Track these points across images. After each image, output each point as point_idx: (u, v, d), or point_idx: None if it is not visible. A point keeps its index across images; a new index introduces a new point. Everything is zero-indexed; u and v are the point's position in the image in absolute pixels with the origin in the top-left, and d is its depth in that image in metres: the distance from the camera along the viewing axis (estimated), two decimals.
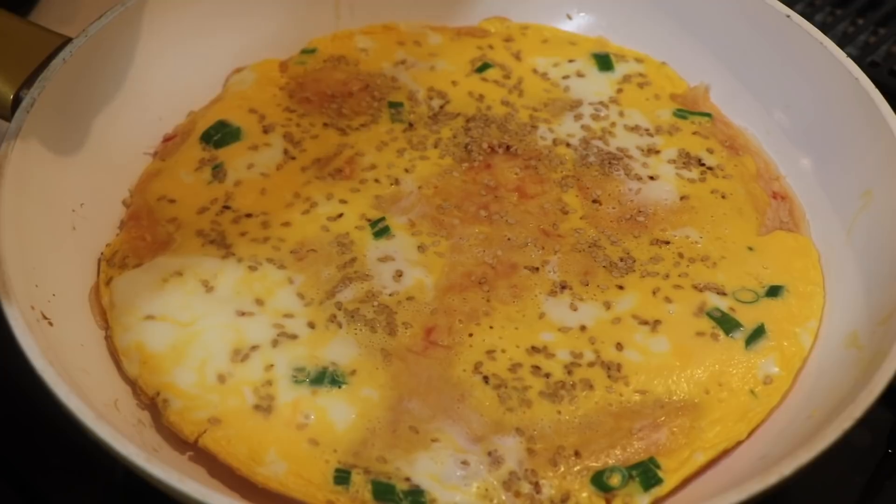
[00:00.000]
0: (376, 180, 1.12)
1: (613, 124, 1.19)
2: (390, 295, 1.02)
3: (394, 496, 0.88)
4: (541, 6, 1.32)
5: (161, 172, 1.13)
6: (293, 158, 1.14)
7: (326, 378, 0.95)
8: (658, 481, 0.90)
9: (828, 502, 1.07)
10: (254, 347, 0.96)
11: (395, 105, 1.20)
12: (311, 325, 0.99)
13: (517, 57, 1.28)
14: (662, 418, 0.94)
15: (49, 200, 1.03)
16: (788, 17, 1.16)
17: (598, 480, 0.90)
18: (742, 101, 1.22)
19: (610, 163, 1.14)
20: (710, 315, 1.01)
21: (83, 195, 1.07)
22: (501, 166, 1.14)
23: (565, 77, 1.25)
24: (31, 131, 1.01)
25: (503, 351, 0.98)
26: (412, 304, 1.01)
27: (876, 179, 1.06)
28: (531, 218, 1.09)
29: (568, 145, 1.17)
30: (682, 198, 1.12)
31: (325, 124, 1.18)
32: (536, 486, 0.90)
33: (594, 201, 1.11)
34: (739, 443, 0.95)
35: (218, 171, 1.12)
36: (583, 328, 1.00)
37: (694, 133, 1.19)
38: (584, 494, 0.90)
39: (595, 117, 1.20)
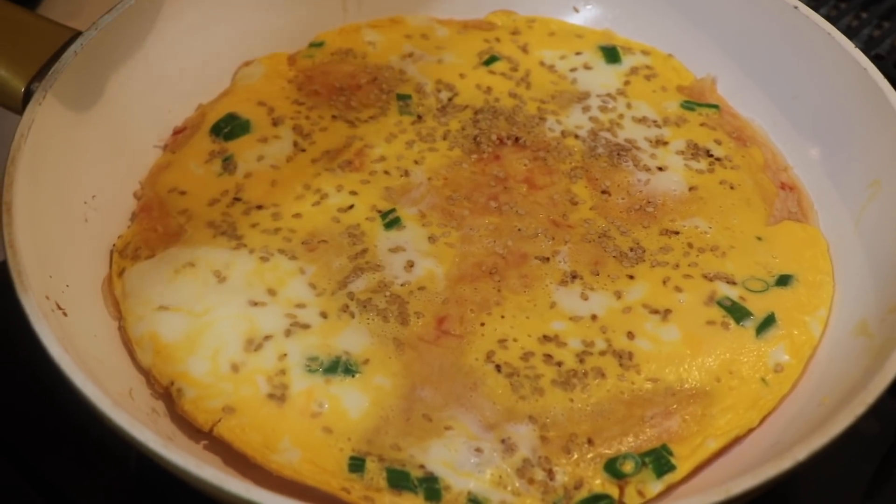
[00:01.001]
0: (386, 172, 1.13)
1: (621, 116, 1.19)
2: (402, 285, 1.02)
3: (408, 483, 0.88)
4: None
5: (171, 165, 1.14)
6: (303, 150, 1.15)
7: (339, 367, 0.95)
8: (671, 468, 0.91)
9: (836, 491, 1.07)
10: (267, 337, 0.97)
11: (403, 97, 1.21)
12: (324, 315, 0.99)
13: (524, 50, 1.28)
14: (674, 406, 0.95)
15: (61, 192, 1.03)
16: (796, 7, 1.16)
17: (612, 467, 0.91)
18: (749, 93, 1.22)
19: (618, 154, 1.15)
20: (720, 304, 1.02)
21: (95, 187, 1.08)
22: (510, 158, 1.14)
23: (573, 69, 1.25)
24: (42, 124, 1.01)
25: (515, 340, 0.98)
26: (424, 294, 1.01)
27: (884, 169, 1.06)
28: (541, 209, 1.09)
29: (576, 137, 1.17)
30: (690, 188, 1.12)
31: (334, 116, 1.19)
32: (550, 473, 0.90)
33: (603, 192, 1.11)
34: (751, 430, 0.95)
35: (228, 164, 1.13)
36: (594, 317, 1.00)
37: (701, 124, 1.19)
38: (598, 481, 0.90)
39: (603, 109, 1.20)
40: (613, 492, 0.90)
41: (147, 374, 0.97)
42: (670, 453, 0.91)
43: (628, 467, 0.90)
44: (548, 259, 1.05)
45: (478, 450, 0.90)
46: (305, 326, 0.98)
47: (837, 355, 0.99)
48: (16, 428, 1.07)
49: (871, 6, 1.56)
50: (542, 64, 1.26)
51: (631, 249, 1.06)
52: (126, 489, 1.05)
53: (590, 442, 0.92)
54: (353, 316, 0.99)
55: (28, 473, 1.04)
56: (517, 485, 0.89)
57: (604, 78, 1.24)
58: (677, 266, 1.05)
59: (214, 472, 0.77)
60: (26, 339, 0.86)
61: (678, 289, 1.03)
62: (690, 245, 1.07)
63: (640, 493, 0.90)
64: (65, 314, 0.93)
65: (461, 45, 1.28)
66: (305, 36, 1.29)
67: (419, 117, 1.19)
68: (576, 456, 0.91)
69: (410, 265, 1.04)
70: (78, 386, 0.82)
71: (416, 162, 1.14)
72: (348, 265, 1.03)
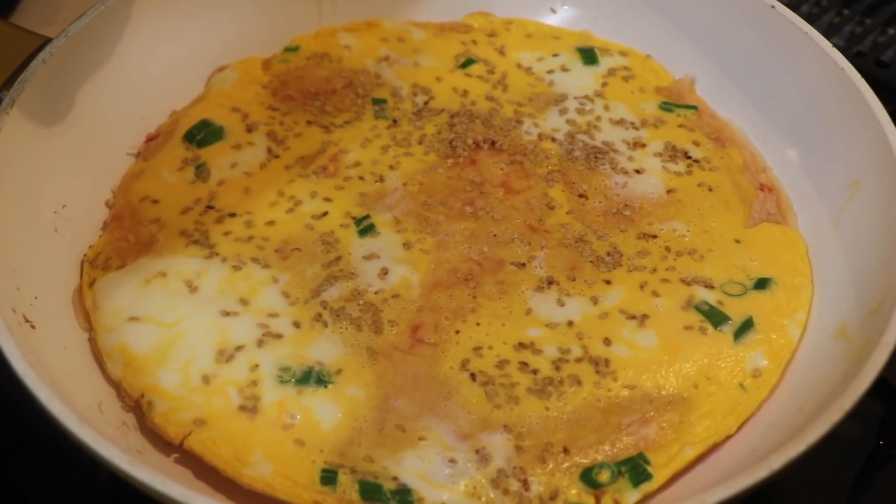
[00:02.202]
0: (360, 178, 1.11)
1: (599, 118, 1.18)
2: (376, 293, 1.01)
3: (381, 496, 0.87)
4: (524, 0, 1.31)
5: (144, 172, 1.12)
6: (277, 157, 1.14)
7: (312, 377, 0.94)
8: (647, 477, 0.90)
9: (819, 494, 1.06)
10: (238, 347, 0.96)
11: (378, 102, 1.20)
12: (297, 325, 0.98)
13: (501, 52, 1.27)
14: (651, 413, 0.93)
15: (30, 202, 1.02)
16: (773, 7, 1.15)
17: (587, 477, 0.89)
18: (728, 93, 1.21)
19: (596, 157, 1.13)
20: (697, 308, 1.00)
21: (65, 196, 1.07)
22: (486, 162, 1.13)
23: (550, 71, 1.24)
24: (10, 132, 1.00)
25: (490, 347, 0.97)
26: (398, 302, 1.00)
27: (863, 169, 1.05)
28: (517, 213, 1.08)
29: (553, 140, 1.16)
30: (668, 191, 1.11)
31: (309, 122, 1.17)
32: (525, 484, 0.89)
33: (580, 196, 1.10)
34: (729, 437, 0.94)
35: (201, 171, 1.11)
36: (570, 323, 0.99)
37: (680, 126, 1.18)
38: (573, 491, 0.89)
39: (580, 111, 1.19)
40: (589, 502, 0.89)
41: (117, 387, 0.96)
42: (647, 462, 0.90)
43: (604, 477, 0.89)
44: (524, 265, 1.04)
45: (452, 460, 0.89)
46: (278, 336, 0.97)
47: (816, 359, 0.98)
48: None
49: (853, 3, 1.55)
50: (519, 66, 1.25)
51: (608, 254, 1.05)
52: (98, 501, 1.04)
53: (565, 451, 0.91)
54: (326, 325, 0.98)
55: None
56: (491, 496, 0.88)
57: (581, 80, 1.23)
58: (655, 270, 1.04)
59: (180, 489, 0.76)
60: None
61: (655, 293, 1.02)
62: (668, 249, 1.06)
63: (617, 503, 0.89)
64: (32, 327, 0.92)
65: (438, 47, 1.27)
66: (280, 40, 1.28)
67: (395, 121, 1.18)
68: (551, 465, 0.90)
69: (385, 272, 1.02)
70: (43, 401, 0.81)
71: (391, 167, 1.13)
72: (322, 273, 1.02)
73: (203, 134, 1.15)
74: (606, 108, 1.20)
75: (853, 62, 1.09)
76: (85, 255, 1.06)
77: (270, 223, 1.07)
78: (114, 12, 1.14)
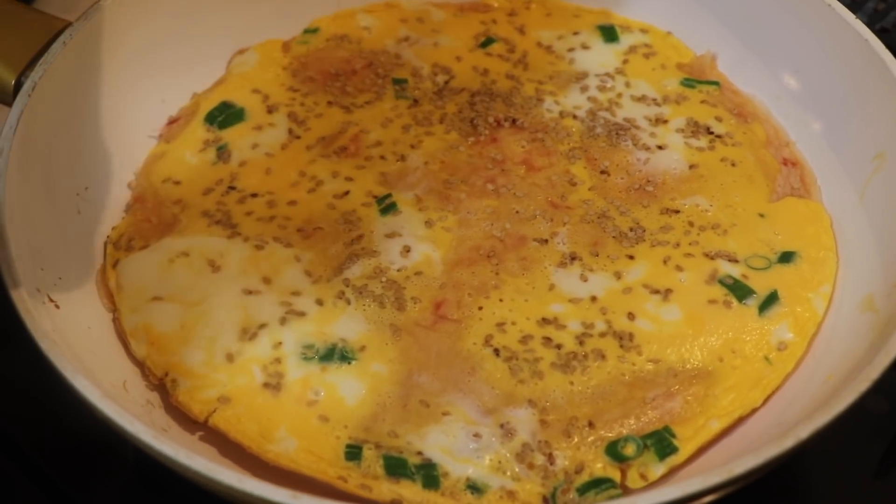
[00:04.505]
0: (382, 157, 1.11)
1: (620, 95, 1.18)
2: (398, 270, 1.01)
3: (406, 470, 0.87)
4: None
5: (165, 154, 1.13)
6: (298, 137, 1.13)
7: (336, 354, 0.94)
8: (673, 450, 0.89)
9: (845, 470, 1.05)
10: (262, 325, 0.96)
11: (399, 82, 1.19)
12: (320, 302, 0.98)
13: (521, 31, 1.27)
14: (676, 387, 0.93)
15: (53, 185, 1.03)
16: None
17: (613, 450, 0.89)
18: (750, 68, 1.20)
19: (617, 133, 1.13)
20: (722, 282, 1.00)
21: (87, 179, 1.07)
22: (508, 140, 1.13)
23: (570, 49, 1.24)
24: (33, 116, 1.00)
25: (513, 323, 0.97)
26: (420, 279, 1.00)
27: (888, 142, 1.04)
28: (539, 190, 1.08)
29: (574, 117, 1.15)
30: (691, 166, 1.10)
31: (330, 103, 1.17)
32: (550, 458, 0.89)
33: (602, 172, 1.10)
34: (755, 410, 0.94)
35: (222, 152, 1.12)
36: (593, 299, 0.99)
37: (702, 102, 1.17)
38: (599, 465, 0.89)
39: (601, 88, 1.18)
40: (615, 475, 0.89)
41: (142, 366, 0.96)
42: (672, 435, 0.90)
43: (630, 450, 0.89)
44: (546, 241, 1.03)
45: (476, 435, 0.89)
46: (301, 314, 0.97)
47: (842, 332, 0.97)
48: (16, 423, 1.06)
49: None
50: (539, 45, 1.25)
51: (631, 229, 1.04)
52: (125, 487, 1.04)
53: (590, 425, 0.91)
54: (349, 303, 0.98)
55: (27, 467, 1.03)
56: (517, 470, 0.88)
57: (602, 57, 1.22)
58: (678, 245, 1.03)
59: (205, 462, 0.76)
60: (24, 334, 0.85)
61: (679, 268, 1.01)
62: (691, 223, 1.05)
63: (643, 476, 0.89)
64: (57, 307, 0.92)
65: (457, 27, 1.27)
66: (300, 22, 1.27)
67: (415, 101, 1.18)
68: (576, 439, 0.90)
69: (407, 250, 1.02)
70: (68, 378, 0.81)
71: (412, 146, 1.12)
72: (344, 251, 1.02)
73: (224, 115, 1.15)
74: (627, 85, 1.19)
75: None
76: (108, 236, 1.06)
77: (292, 203, 1.07)
78: None
